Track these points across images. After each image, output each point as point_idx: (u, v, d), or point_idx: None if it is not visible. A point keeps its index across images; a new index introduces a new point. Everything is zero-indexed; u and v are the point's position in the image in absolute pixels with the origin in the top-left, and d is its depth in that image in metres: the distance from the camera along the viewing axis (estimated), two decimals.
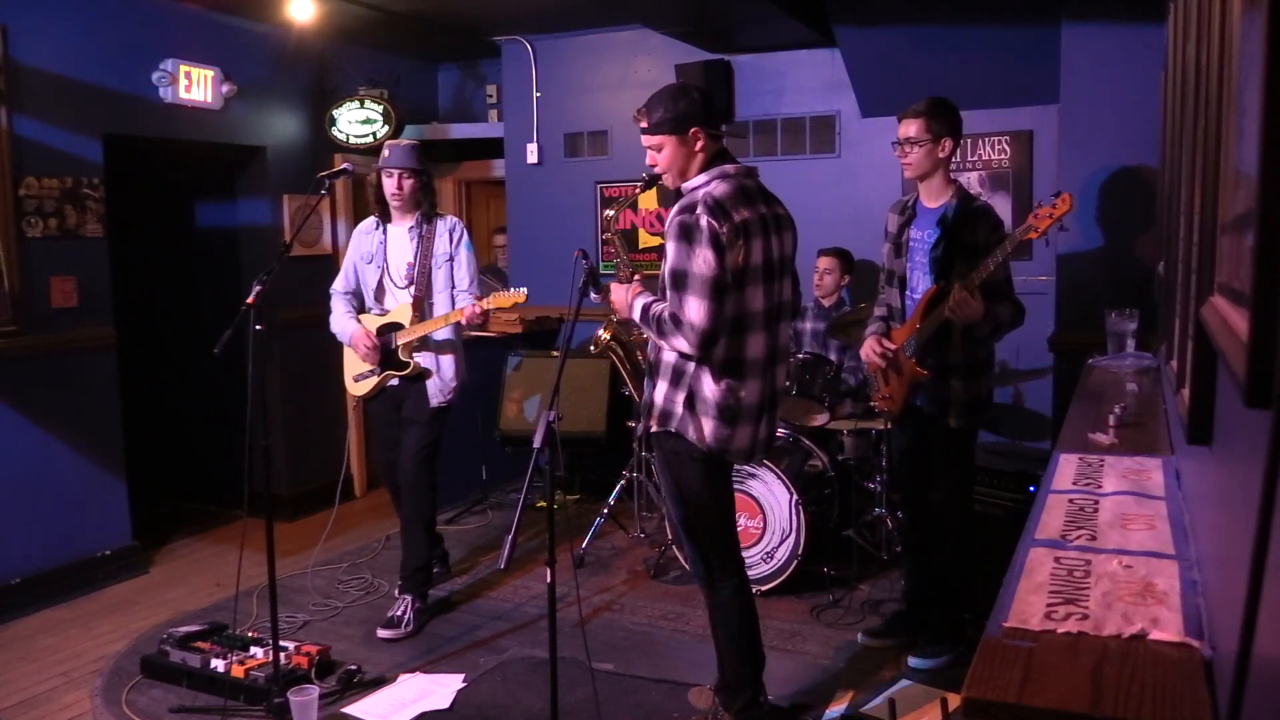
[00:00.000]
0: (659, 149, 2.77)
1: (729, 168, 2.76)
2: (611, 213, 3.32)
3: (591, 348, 4.00)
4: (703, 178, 2.75)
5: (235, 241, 5.65)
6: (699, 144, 2.74)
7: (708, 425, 2.74)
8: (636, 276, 3.02)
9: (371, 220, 4.06)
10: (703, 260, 2.60)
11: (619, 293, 2.90)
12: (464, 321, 3.84)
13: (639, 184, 3.05)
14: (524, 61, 6.19)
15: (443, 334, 3.95)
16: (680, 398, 2.75)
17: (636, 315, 2.80)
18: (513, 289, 3.80)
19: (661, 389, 2.81)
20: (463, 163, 6.86)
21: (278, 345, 5.42)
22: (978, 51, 4.75)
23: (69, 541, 4.46)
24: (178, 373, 5.93)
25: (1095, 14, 4.11)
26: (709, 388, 2.72)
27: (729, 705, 2.96)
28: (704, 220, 2.61)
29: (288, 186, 5.54)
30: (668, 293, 2.68)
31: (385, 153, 3.90)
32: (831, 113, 5.44)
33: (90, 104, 4.53)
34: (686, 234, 2.63)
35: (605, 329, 3.69)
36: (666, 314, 2.66)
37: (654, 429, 2.84)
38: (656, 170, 2.84)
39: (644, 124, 2.78)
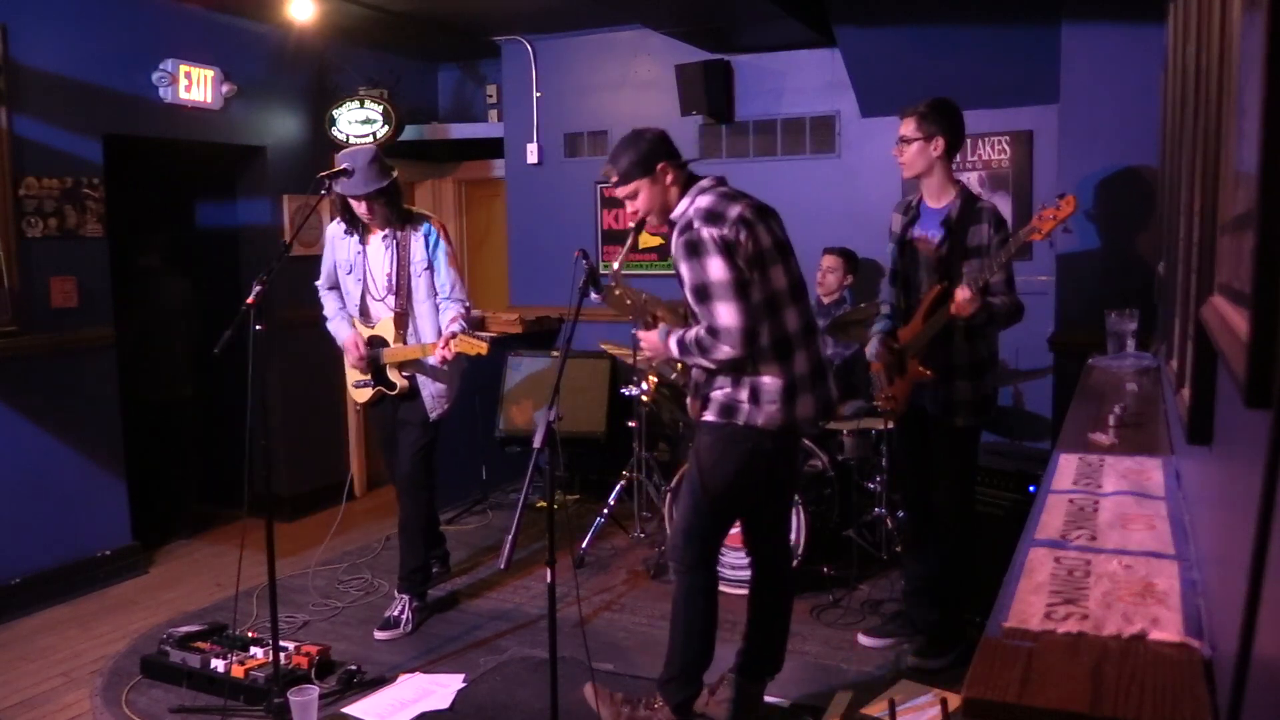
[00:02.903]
0: (635, 195, 2.85)
1: (703, 182, 2.87)
2: (616, 266, 3.23)
3: (642, 397, 4.02)
4: (685, 201, 2.84)
5: (235, 241, 5.65)
6: (669, 177, 2.84)
7: (773, 408, 2.80)
8: (657, 315, 3.05)
9: (341, 224, 3.89)
10: (716, 267, 2.69)
11: (650, 338, 2.97)
12: (435, 361, 3.78)
13: (629, 234, 3.04)
14: (524, 61, 6.19)
15: (433, 358, 3.83)
16: (744, 394, 2.81)
17: (674, 349, 2.86)
18: (477, 337, 3.73)
19: (723, 386, 2.84)
20: (462, 163, 6.86)
21: (278, 345, 5.42)
22: (978, 51, 4.74)
23: (69, 541, 4.46)
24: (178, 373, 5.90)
25: (1095, 14, 4.11)
26: (769, 378, 2.79)
27: (670, 697, 2.96)
28: (703, 232, 2.71)
29: (288, 186, 5.54)
30: (695, 310, 2.75)
31: (344, 165, 3.62)
32: (831, 113, 5.44)
33: (90, 104, 4.53)
34: (693, 250, 2.72)
35: (648, 378, 3.73)
36: (701, 331, 2.73)
37: (709, 419, 2.86)
38: (640, 217, 2.90)
39: (614, 178, 2.85)
